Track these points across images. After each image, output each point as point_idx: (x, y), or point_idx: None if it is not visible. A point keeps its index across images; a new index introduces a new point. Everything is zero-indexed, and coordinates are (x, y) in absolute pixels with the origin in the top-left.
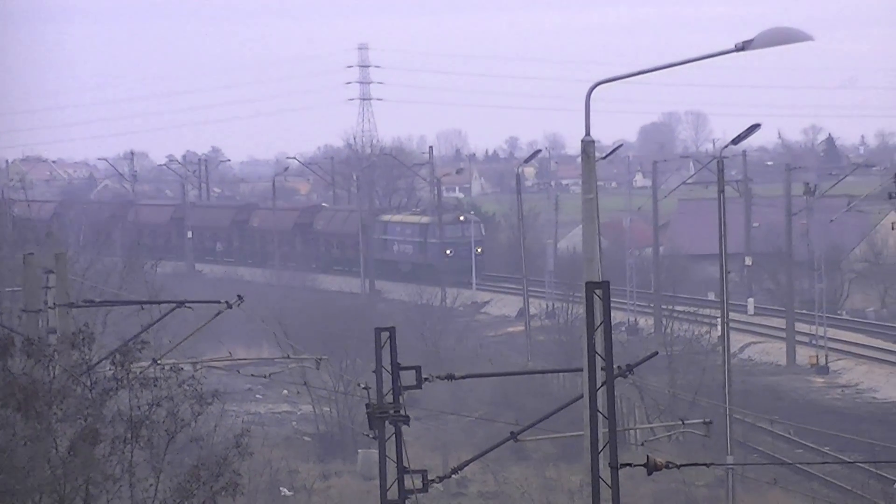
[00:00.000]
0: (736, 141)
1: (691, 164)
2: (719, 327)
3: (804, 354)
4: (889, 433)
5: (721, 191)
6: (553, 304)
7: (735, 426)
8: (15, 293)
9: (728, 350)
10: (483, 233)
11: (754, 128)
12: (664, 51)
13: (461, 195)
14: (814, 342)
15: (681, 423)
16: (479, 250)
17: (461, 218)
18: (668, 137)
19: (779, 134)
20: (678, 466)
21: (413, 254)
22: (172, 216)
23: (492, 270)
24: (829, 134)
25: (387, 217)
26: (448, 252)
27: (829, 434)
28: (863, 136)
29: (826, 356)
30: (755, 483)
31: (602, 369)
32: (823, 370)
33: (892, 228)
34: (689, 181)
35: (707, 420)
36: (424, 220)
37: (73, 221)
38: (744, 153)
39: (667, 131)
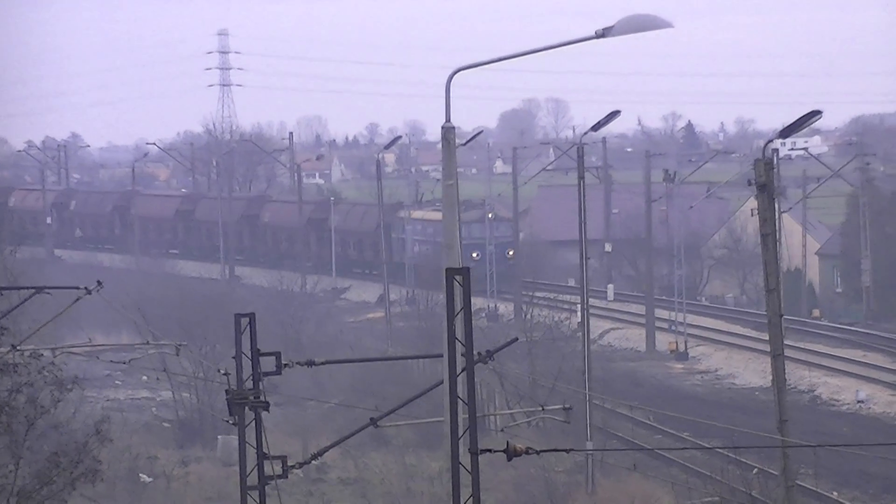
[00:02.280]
0: (596, 128)
1: (551, 150)
2: (579, 313)
3: (664, 341)
4: (748, 419)
5: (581, 177)
6: (413, 291)
7: (594, 412)
8: None
9: (588, 336)
10: (515, 232)
11: (614, 114)
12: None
13: (321, 181)
14: (673, 328)
15: (541, 408)
16: (510, 253)
17: (490, 216)
18: (528, 124)
19: (639, 121)
20: (538, 452)
21: (432, 257)
22: (54, 202)
23: (353, 256)
24: (689, 121)
25: (404, 213)
26: (474, 255)
27: (688, 420)
28: (722, 123)
29: (685, 342)
30: (614, 468)
31: (462, 355)
32: (683, 356)
33: (752, 215)
34: (549, 168)
35: (567, 406)
36: None
37: None
38: (604, 140)
39: (527, 118)
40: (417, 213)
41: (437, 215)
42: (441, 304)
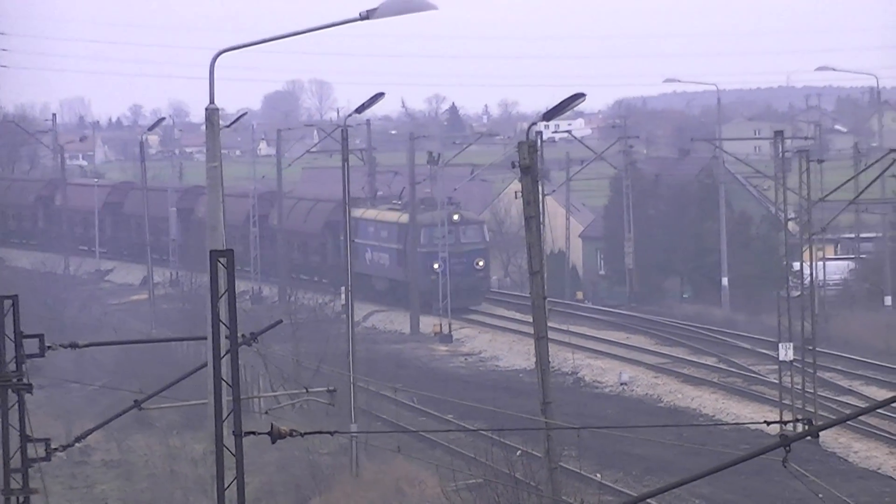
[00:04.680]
0: (360, 109)
1: (315, 132)
2: (343, 296)
3: (428, 323)
4: (512, 401)
5: (345, 159)
6: (177, 273)
7: (359, 394)
8: None
9: (352, 318)
10: (488, 238)
11: (378, 96)
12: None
13: (85, 163)
14: (436, 311)
15: (305, 391)
16: (479, 263)
17: (455, 217)
18: (292, 106)
19: (403, 103)
20: (302, 434)
21: (389, 266)
22: None
23: (119, 238)
24: (453, 103)
25: (359, 212)
26: (436, 266)
27: (452, 402)
28: (486, 106)
29: (449, 324)
30: (379, 451)
31: (226, 338)
32: (447, 338)
33: (515, 197)
34: (314, 150)
35: (331, 388)
36: (405, 218)
37: None
38: (368, 122)
39: (291, 99)
40: (371, 212)
41: (392, 215)
42: (205, 285)
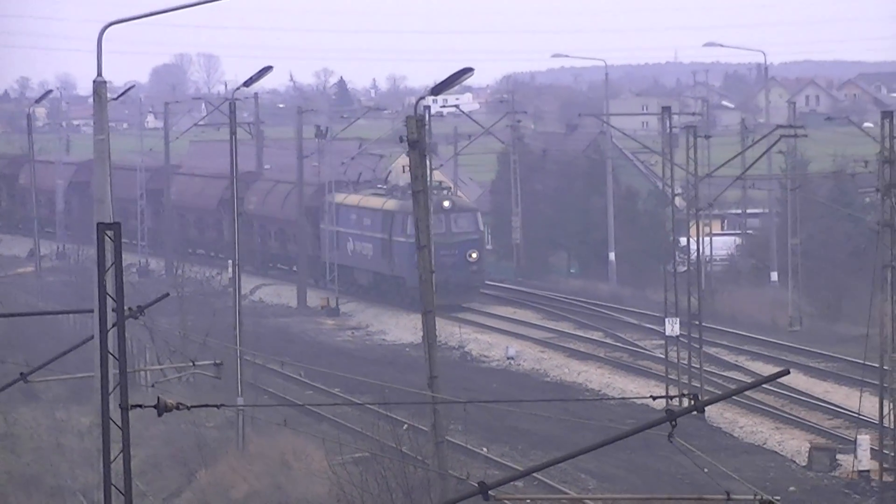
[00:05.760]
0: (248, 83)
1: (203, 105)
2: (230, 269)
3: (315, 297)
4: (398, 374)
5: (233, 133)
6: (64, 246)
7: (246, 368)
8: None
9: (239, 291)
10: (482, 227)
11: (266, 70)
12: None
13: None
14: (322, 285)
15: (192, 364)
16: (473, 255)
17: (445, 204)
18: (180, 79)
19: (291, 76)
20: (188, 408)
21: (373, 258)
22: None
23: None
24: (341, 77)
25: (341, 197)
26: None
27: (339, 376)
28: (374, 80)
29: (336, 299)
30: (265, 424)
31: (113, 310)
32: (334, 312)
33: (403, 171)
34: (201, 123)
35: (218, 362)
36: (391, 204)
37: None
38: (256, 95)
39: (179, 73)
40: (353, 198)
41: (376, 201)
42: (92, 258)
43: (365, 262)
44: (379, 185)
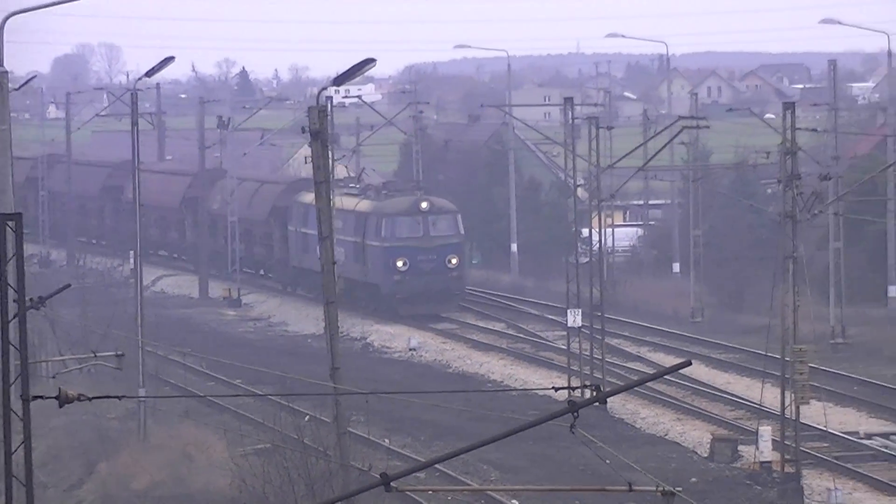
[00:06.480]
0: (150, 73)
1: (105, 96)
2: (132, 260)
3: (217, 288)
4: (300, 365)
5: (135, 123)
6: None
7: (148, 359)
8: None
9: (140, 282)
10: (463, 230)
11: (168, 60)
12: None
13: None
14: (225, 276)
15: (93, 355)
16: (453, 261)
17: (423, 205)
18: (81, 69)
19: (192, 67)
20: (90, 399)
21: (346, 263)
22: None
23: None
24: (243, 67)
25: (311, 196)
26: (400, 264)
27: (240, 367)
28: (276, 70)
29: (238, 289)
30: (167, 415)
31: (14, 301)
32: (236, 303)
33: (305, 162)
34: (103, 113)
35: (119, 353)
36: (364, 205)
37: None
38: (157, 86)
39: (80, 63)
40: None
41: (350, 201)
42: None
43: (337, 267)
44: (351, 185)
